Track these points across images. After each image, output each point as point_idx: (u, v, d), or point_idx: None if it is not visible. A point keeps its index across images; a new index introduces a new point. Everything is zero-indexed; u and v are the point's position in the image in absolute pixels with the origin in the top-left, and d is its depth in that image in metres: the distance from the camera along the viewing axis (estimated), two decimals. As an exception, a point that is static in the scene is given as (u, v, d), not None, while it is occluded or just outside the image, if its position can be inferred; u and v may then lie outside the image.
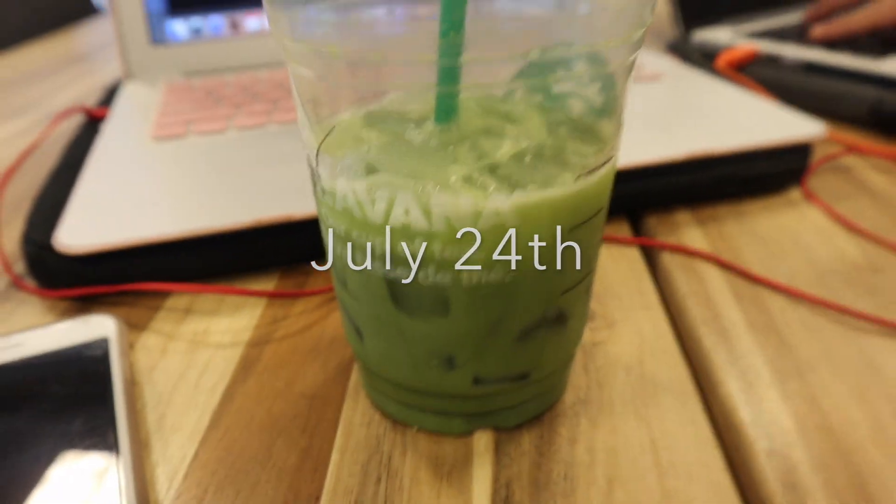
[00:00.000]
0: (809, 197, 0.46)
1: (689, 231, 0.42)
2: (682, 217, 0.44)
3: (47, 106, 0.72)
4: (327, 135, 0.24)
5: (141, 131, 0.50)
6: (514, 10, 0.21)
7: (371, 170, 0.22)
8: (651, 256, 0.41)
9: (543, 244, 0.23)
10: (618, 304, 0.36)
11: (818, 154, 0.51)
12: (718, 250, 0.40)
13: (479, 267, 0.23)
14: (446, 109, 0.23)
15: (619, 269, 0.39)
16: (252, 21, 0.66)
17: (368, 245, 0.23)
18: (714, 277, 0.38)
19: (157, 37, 0.64)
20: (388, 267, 0.23)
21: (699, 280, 0.38)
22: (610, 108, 0.24)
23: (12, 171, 0.50)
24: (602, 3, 0.21)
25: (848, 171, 0.49)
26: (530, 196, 0.22)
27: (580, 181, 0.23)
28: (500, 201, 0.22)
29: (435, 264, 0.23)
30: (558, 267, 0.24)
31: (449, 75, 0.21)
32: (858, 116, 0.56)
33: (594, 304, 0.36)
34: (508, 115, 0.24)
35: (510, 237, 0.22)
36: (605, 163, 0.24)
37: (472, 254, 0.22)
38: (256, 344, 0.34)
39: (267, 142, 0.47)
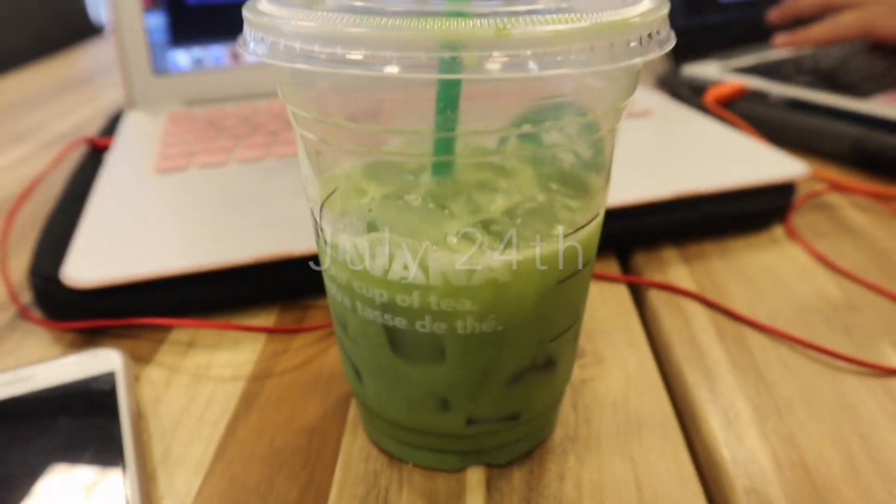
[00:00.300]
0: (792, 235, 0.47)
1: (676, 268, 0.44)
2: (669, 254, 0.45)
3: (49, 132, 0.74)
4: (331, 194, 0.25)
5: (144, 163, 0.52)
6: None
7: (372, 227, 0.24)
8: (638, 293, 0.42)
9: (534, 297, 0.25)
10: (606, 341, 0.38)
11: (802, 191, 0.52)
12: (704, 288, 0.42)
13: (473, 318, 0.24)
14: (442, 166, 0.25)
15: (607, 305, 0.41)
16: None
17: (368, 295, 0.25)
18: (699, 315, 0.39)
19: (160, 67, 0.66)
20: (386, 316, 0.25)
21: (684, 318, 0.39)
22: (598, 166, 0.26)
23: (19, 204, 0.51)
24: (591, 79, 0.22)
25: (830, 209, 0.51)
26: (522, 253, 0.23)
27: (570, 238, 0.24)
28: (494, 258, 0.23)
29: (431, 315, 0.24)
30: (548, 317, 0.26)
31: (445, 145, 0.22)
32: (841, 154, 0.58)
33: (584, 341, 0.38)
34: (501, 167, 0.26)
35: (503, 291, 0.24)
36: (593, 219, 0.25)
37: (467, 306, 0.24)
38: (257, 378, 0.35)
39: (267, 175, 0.49)
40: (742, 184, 0.46)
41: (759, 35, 0.81)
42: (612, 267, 0.45)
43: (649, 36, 0.22)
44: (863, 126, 0.57)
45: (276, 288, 0.40)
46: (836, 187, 0.53)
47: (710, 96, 0.65)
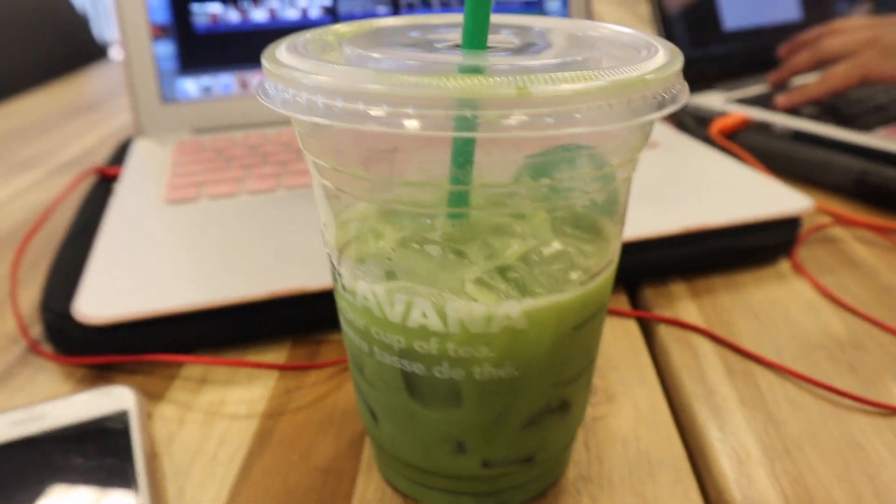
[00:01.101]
0: (798, 269, 0.48)
1: (684, 303, 0.44)
2: (677, 289, 0.46)
3: (57, 159, 0.74)
4: (349, 241, 0.25)
5: (154, 194, 0.52)
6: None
7: (390, 276, 0.24)
8: (648, 328, 0.43)
9: (550, 343, 0.25)
10: (617, 378, 0.38)
11: (807, 224, 0.53)
12: (712, 323, 0.42)
13: (490, 364, 0.24)
14: (458, 202, 0.25)
15: (618, 341, 0.41)
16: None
17: (386, 341, 0.25)
18: (707, 351, 0.40)
19: (168, 95, 0.66)
20: (404, 361, 0.25)
21: (693, 354, 0.39)
22: (613, 213, 0.26)
23: (29, 237, 0.51)
24: (607, 135, 0.23)
25: (835, 243, 0.52)
26: (539, 301, 0.24)
27: (585, 285, 0.25)
28: (511, 307, 0.23)
29: (449, 361, 0.24)
30: (563, 362, 0.26)
31: (460, 199, 0.23)
32: (844, 186, 0.58)
33: (595, 378, 0.38)
34: (515, 204, 0.26)
35: (519, 338, 0.24)
36: (607, 265, 0.26)
37: (484, 353, 0.24)
38: (271, 415, 0.35)
39: (277, 207, 0.49)
40: (748, 219, 0.47)
41: (764, 64, 0.81)
42: (621, 301, 0.45)
43: (664, 91, 0.22)
44: (866, 159, 0.58)
45: (289, 323, 0.41)
46: (841, 221, 0.54)
47: (715, 128, 0.66)
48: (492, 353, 0.24)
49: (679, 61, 0.23)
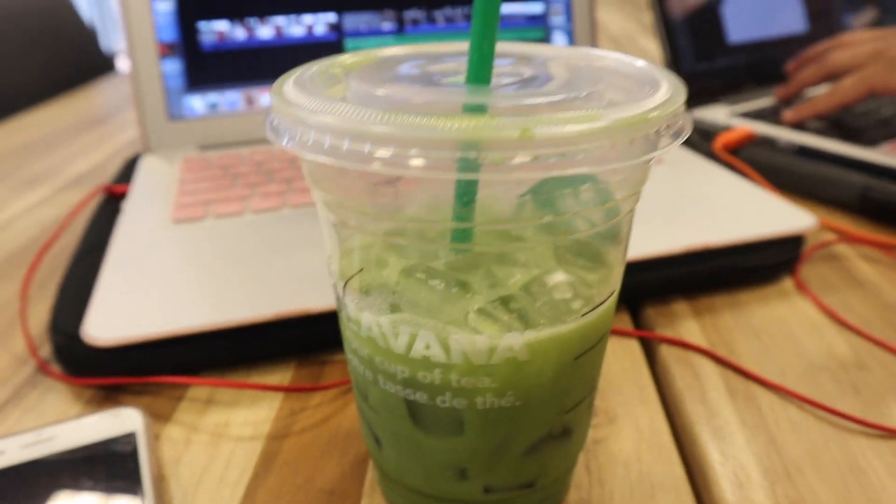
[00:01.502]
0: (801, 287, 0.48)
1: (686, 322, 0.44)
2: (680, 308, 0.46)
3: (65, 174, 0.75)
4: (353, 273, 0.26)
5: (161, 212, 0.53)
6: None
7: (395, 308, 0.24)
8: (650, 348, 0.43)
9: (552, 373, 0.25)
10: (619, 400, 0.38)
11: (811, 241, 0.53)
12: (714, 343, 0.42)
13: (492, 394, 0.25)
14: (462, 238, 0.25)
15: (619, 361, 0.41)
16: (266, 97, 0.69)
17: (390, 371, 0.25)
18: (709, 372, 0.40)
19: (175, 112, 0.67)
20: (407, 390, 0.25)
21: (695, 375, 0.40)
22: (616, 244, 0.26)
23: (39, 258, 0.52)
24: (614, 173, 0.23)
25: (839, 261, 0.52)
26: (541, 333, 0.24)
27: (588, 315, 0.25)
28: (514, 339, 0.24)
29: (452, 391, 0.25)
30: (565, 390, 0.27)
31: (463, 235, 0.23)
32: (849, 202, 0.58)
33: (597, 400, 0.38)
34: (519, 237, 0.26)
35: (522, 368, 0.25)
36: (610, 295, 0.26)
37: (487, 383, 0.24)
38: (276, 437, 0.36)
39: (282, 226, 0.50)
40: (751, 237, 0.47)
41: (769, 78, 0.82)
42: (623, 321, 0.45)
43: (667, 127, 0.22)
44: (870, 175, 0.58)
45: (294, 343, 0.41)
46: (845, 238, 0.54)
47: (719, 143, 0.66)
48: (494, 384, 0.24)
49: (681, 95, 0.24)
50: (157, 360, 0.39)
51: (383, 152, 0.20)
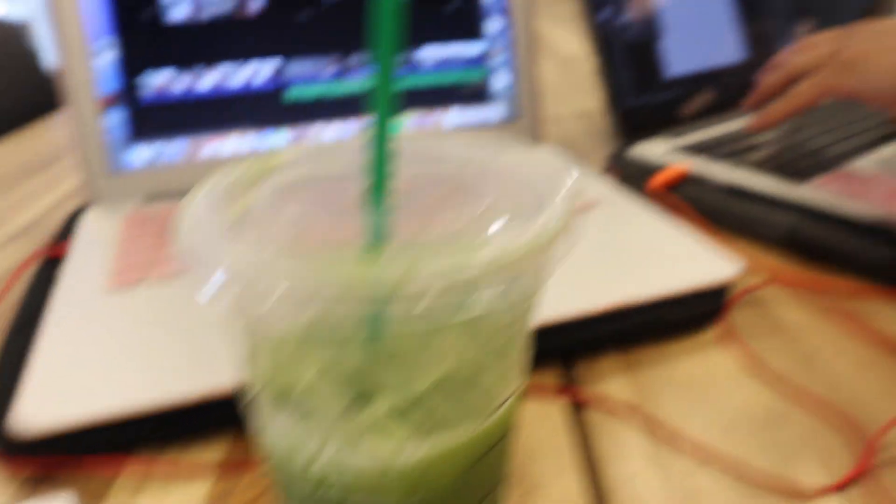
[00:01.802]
0: (727, 335, 0.49)
1: (615, 378, 0.46)
2: (609, 363, 0.47)
3: (7, 228, 0.74)
4: (261, 388, 0.27)
5: (98, 278, 0.52)
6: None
7: (296, 422, 0.25)
8: (575, 408, 0.44)
9: (457, 473, 0.26)
10: (540, 468, 0.39)
11: (740, 285, 0.54)
12: (642, 398, 0.43)
13: (396, 497, 0.26)
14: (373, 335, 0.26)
15: (543, 424, 0.42)
16: (209, 147, 0.69)
17: (295, 486, 0.26)
18: (633, 431, 0.41)
19: (118, 165, 0.67)
20: (315, 497, 0.26)
21: (619, 434, 0.41)
22: (520, 340, 0.27)
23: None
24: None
25: (766, 305, 0.53)
26: (443, 442, 0.25)
27: (490, 418, 0.26)
28: (412, 452, 0.25)
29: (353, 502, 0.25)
30: (472, 484, 0.27)
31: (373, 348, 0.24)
32: (777, 241, 0.60)
33: (519, 465, 0.39)
34: (426, 343, 0.27)
35: (425, 474, 0.25)
36: (512, 394, 0.27)
37: (386, 496, 0.25)
38: (207, 520, 0.36)
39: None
40: (676, 291, 0.48)
41: (710, 109, 0.83)
42: (552, 377, 0.46)
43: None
44: (796, 214, 0.59)
45: (230, 418, 0.41)
46: (774, 280, 0.56)
47: (656, 181, 0.68)
48: (392, 496, 0.25)
49: (570, 215, 0.24)
50: (90, 441, 0.40)
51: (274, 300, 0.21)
